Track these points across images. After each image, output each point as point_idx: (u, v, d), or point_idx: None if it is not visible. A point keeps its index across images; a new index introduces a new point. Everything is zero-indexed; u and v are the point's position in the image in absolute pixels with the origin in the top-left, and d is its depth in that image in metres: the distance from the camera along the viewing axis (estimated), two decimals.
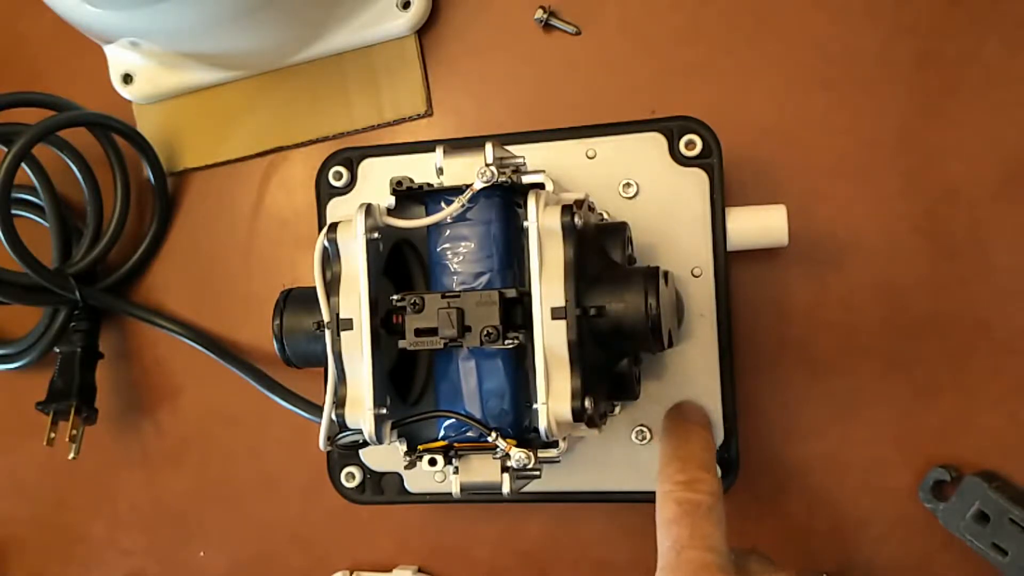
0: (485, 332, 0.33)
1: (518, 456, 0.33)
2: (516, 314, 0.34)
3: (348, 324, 0.34)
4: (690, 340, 0.41)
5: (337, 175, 0.45)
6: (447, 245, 0.35)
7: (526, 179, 0.35)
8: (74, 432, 0.49)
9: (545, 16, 0.46)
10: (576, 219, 0.33)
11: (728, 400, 0.41)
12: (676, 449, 0.36)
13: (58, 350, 0.51)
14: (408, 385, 0.37)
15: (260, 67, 0.50)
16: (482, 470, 0.35)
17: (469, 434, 0.35)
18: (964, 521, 0.41)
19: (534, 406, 0.33)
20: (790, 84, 0.44)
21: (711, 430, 0.38)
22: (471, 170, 0.34)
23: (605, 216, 0.40)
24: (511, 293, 0.33)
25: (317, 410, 0.45)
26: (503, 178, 0.34)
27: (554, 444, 0.35)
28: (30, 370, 0.52)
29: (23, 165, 0.47)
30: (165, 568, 0.53)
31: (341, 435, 0.35)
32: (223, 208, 0.52)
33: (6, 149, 0.45)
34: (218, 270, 0.52)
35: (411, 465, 0.35)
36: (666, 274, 0.35)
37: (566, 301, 0.32)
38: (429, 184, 0.36)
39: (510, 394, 0.35)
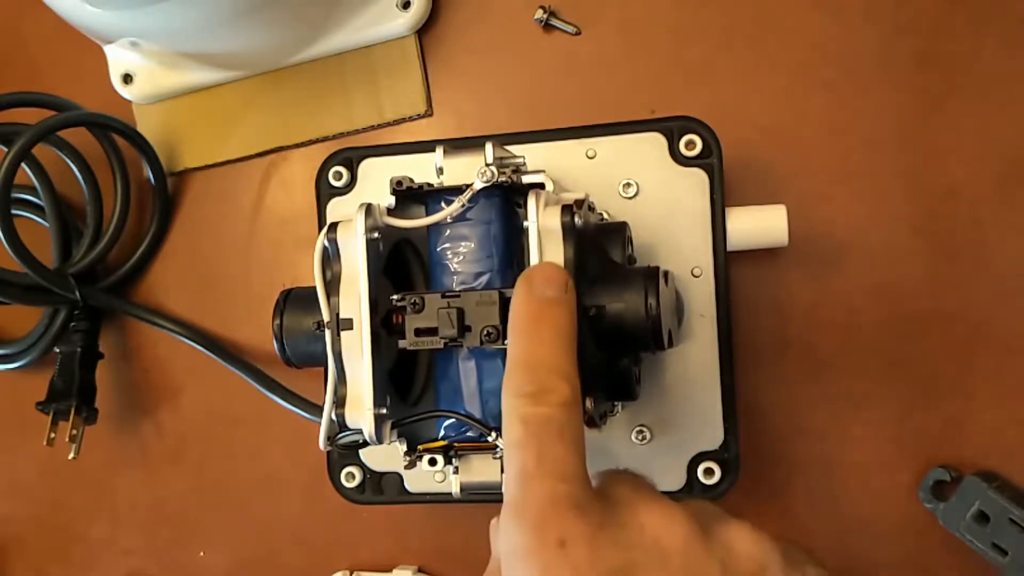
0: (485, 332, 0.33)
1: None
2: None
3: (348, 324, 0.34)
4: (690, 340, 0.41)
5: (337, 175, 0.45)
6: (447, 245, 0.35)
7: (526, 179, 0.35)
8: (74, 432, 0.49)
9: (545, 16, 0.46)
10: (576, 219, 0.33)
11: (728, 400, 0.41)
12: (522, 347, 0.29)
13: (58, 350, 0.51)
14: (408, 385, 0.37)
15: (260, 67, 0.50)
16: (482, 470, 0.35)
17: (469, 434, 0.35)
18: (964, 521, 0.41)
19: None
20: (790, 84, 0.44)
21: (570, 306, 0.30)
22: (471, 170, 0.34)
23: (605, 216, 0.40)
24: (511, 293, 0.33)
25: (317, 410, 0.44)
26: (503, 178, 0.34)
27: None
28: (30, 370, 0.52)
29: (23, 165, 0.47)
30: (165, 568, 0.53)
31: (341, 435, 0.35)
32: (223, 208, 0.52)
33: (6, 149, 0.45)
34: (218, 270, 0.52)
35: (411, 465, 0.35)
36: (666, 274, 0.35)
37: None
38: (429, 184, 0.36)
39: None
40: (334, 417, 0.35)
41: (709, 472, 0.41)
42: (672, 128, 0.41)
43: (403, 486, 0.45)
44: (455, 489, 0.36)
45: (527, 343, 0.29)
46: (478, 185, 0.34)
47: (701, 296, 0.41)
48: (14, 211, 0.49)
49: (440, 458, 0.35)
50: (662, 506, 0.27)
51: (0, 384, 0.55)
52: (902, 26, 0.43)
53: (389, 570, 0.49)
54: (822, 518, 0.44)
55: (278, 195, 0.51)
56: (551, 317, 0.29)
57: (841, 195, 0.44)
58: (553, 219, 0.33)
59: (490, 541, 0.31)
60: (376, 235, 0.35)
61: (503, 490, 0.27)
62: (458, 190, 0.35)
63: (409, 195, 0.36)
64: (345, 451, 0.40)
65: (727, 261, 0.41)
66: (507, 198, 0.36)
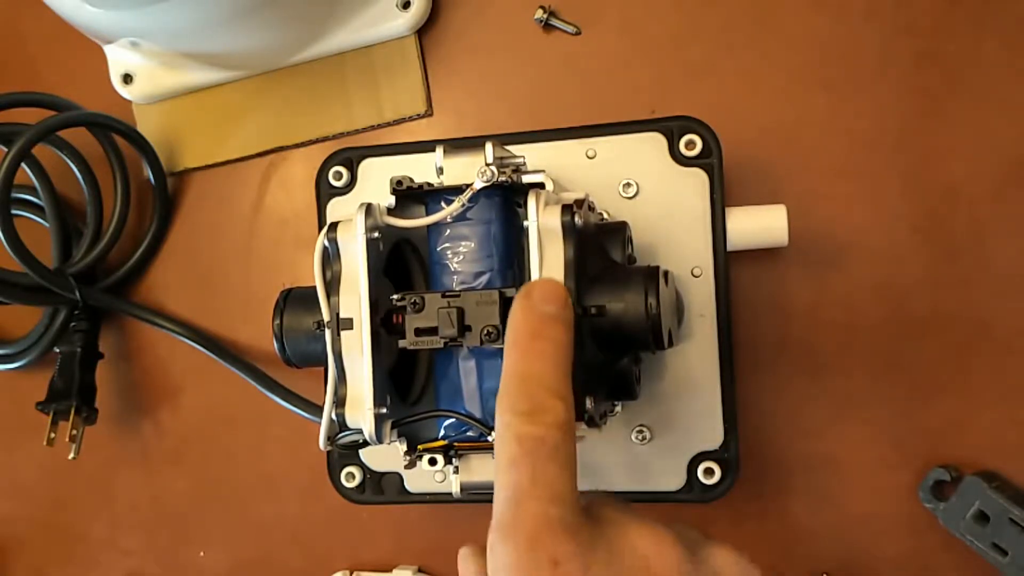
0: (485, 331, 0.33)
1: None
2: None
3: (348, 324, 0.34)
4: (690, 340, 0.41)
5: (337, 175, 0.45)
6: (447, 245, 0.35)
7: (526, 179, 0.35)
8: (74, 432, 0.49)
9: (545, 16, 0.46)
10: (576, 219, 0.33)
11: (728, 400, 0.41)
12: (517, 365, 0.29)
13: (58, 350, 0.51)
14: (408, 385, 0.37)
15: (260, 67, 0.50)
16: (482, 470, 0.35)
17: (469, 433, 0.35)
18: (964, 521, 0.41)
19: None
20: (790, 84, 0.44)
21: (568, 323, 0.30)
22: (471, 170, 0.34)
23: (605, 216, 0.40)
24: (511, 292, 0.33)
25: (317, 410, 0.45)
26: (503, 178, 0.34)
27: None
28: (30, 370, 0.52)
29: (23, 165, 0.47)
30: (165, 568, 0.53)
31: (341, 435, 0.35)
32: (223, 208, 0.52)
33: (6, 149, 0.45)
34: (218, 270, 0.52)
35: (411, 465, 0.35)
36: (666, 274, 0.35)
37: None
38: (429, 184, 0.36)
39: None
40: (334, 417, 0.35)
41: (709, 472, 0.41)
42: (672, 128, 0.41)
43: (403, 486, 0.45)
44: (455, 489, 0.36)
45: (523, 358, 0.29)
46: (478, 185, 0.34)
47: (701, 296, 0.41)
48: (14, 211, 0.49)
49: (440, 458, 0.35)
50: (651, 529, 0.28)
51: (0, 384, 0.55)
52: (902, 26, 0.43)
53: (389, 570, 0.49)
54: (822, 518, 0.44)
55: (278, 195, 0.51)
56: (549, 333, 0.29)
57: (841, 195, 0.44)
58: (553, 219, 0.33)
59: (459, 572, 0.31)
60: (376, 235, 0.35)
61: (494, 509, 0.27)
62: (458, 190, 0.35)
63: (409, 195, 0.36)
64: (345, 451, 0.40)
65: (727, 261, 0.41)
66: (507, 198, 0.36)
